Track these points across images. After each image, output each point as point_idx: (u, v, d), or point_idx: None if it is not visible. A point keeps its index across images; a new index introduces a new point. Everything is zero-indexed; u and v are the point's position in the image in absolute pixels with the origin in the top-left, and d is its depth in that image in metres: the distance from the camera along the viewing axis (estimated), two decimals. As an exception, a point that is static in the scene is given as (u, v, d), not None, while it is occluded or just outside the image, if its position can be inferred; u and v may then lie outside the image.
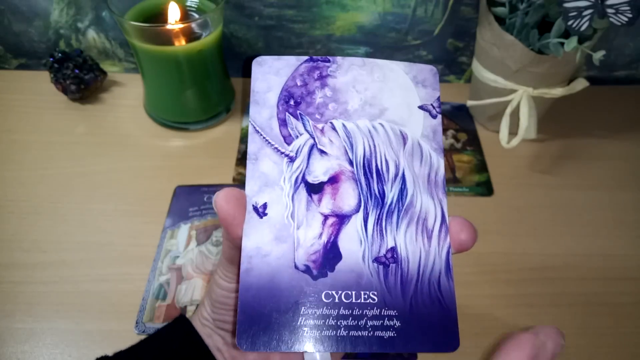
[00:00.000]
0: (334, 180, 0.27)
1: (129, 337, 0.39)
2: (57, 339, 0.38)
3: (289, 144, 0.27)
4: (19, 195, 0.48)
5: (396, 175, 0.28)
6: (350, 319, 0.25)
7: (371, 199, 0.27)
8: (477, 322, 0.40)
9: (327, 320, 0.25)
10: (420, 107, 0.29)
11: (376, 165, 0.28)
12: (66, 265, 0.43)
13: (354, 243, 0.26)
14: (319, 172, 0.27)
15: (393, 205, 0.27)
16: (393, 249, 0.26)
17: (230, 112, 0.58)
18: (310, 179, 0.27)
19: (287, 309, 0.25)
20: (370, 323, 0.25)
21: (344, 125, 0.28)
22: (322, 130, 0.28)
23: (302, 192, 0.27)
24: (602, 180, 0.52)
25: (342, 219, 0.27)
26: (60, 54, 0.56)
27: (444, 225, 0.27)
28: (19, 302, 0.40)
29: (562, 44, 0.43)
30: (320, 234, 0.26)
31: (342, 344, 0.25)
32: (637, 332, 0.40)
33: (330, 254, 0.26)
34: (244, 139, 0.55)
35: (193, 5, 0.52)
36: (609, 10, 0.40)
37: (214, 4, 0.50)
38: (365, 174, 0.28)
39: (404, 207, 0.27)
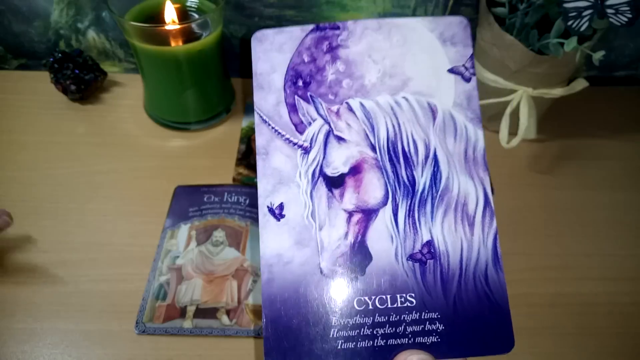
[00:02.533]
0: (355, 170, 0.24)
1: (129, 337, 0.39)
2: (57, 339, 0.38)
3: (301, 133, 0.24)
4: (19, 195, 0.48)
5: (427, 157, 0.24)
6: (388, 326, 0.23)
7: (400, 188, 0.24)
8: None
9: (362, 329, 0.23)
10: (450, 71, 0.25)
11: (402, 148, 0.24)
12: (66, 265, 0.43)
13: (385, 240, 0.23)
14: (338, 162, 0.24)
15: (426, 192, 0.24)
16: (429, 243, 0.23)
17: (230, 112, 0.58)
18: (329, 171, 0.24)
19: (317, 321, 0.22)
20: (410, 329, 0.22)
21: (361, 104, 0.25)
22: (337, 113, 0.25)
23: (322, 187, 0.24)
24: (602, 180, 0.52)
25: (368, 214, 0.24)
26: (60, 54, 0.56)
27: (487, 208, 0.24)
28: (19, 302, 0.40)
29: (562, 44, 0.43)
30: (346, 234, 0.24)
31: (380, 355, 0.22)
32: (637, 332, 0.40)
33: (359, 256, 0.23)
34: (243, 139, 0.55)
35: (193, 6, 0.52)
36: (609, 11, 0.40)
37: (214, 4, 0.50)
38: (390, 159, 0.24)
39: (439, 193, 0.24)
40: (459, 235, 0.24)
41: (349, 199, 0.24)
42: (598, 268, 0.45)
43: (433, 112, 0.25)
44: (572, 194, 0.51)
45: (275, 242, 0.23)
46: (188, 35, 0.48)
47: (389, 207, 0.24)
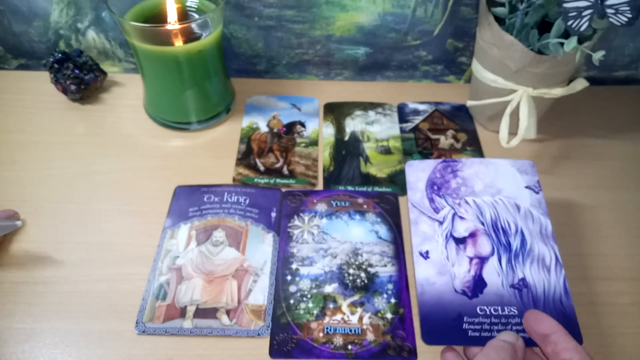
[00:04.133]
0: (472, 235, 0.39)
1: (129, 337, 0.39)
2: (57, 339, 0.38)
3: (437, 213, 0.41)
4: (19, 195, 0.48)
5: (516, 232, 0.39)
6: (499, 325, 0.35)
7: (501, 247, 0.39)
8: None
9: (483, 325, 0.35)
10: (526, 187, 0.42)
11: (501, 225, 0.40)
12: (66, 265, 0.43)
13: (494, 275, 0.37)
14: (461, 229, 0.39)
15: (517, 250, 0.38)
16: (523, 279, 0.37)
17: (230, 112, 0.58)
18: (456, 234, 0.39)
19: (453, 318, 0.36)
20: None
21: (474, 200, 0.41)
22: (459, 204, 0.41)
23: (452, 243, 0.39)
24: (602, 180, 0.52)
25: (483, 259, 0.38)
26: (60, 54, 0.56)
27: (558, 264, 0.38)
28: (19, 302, 0.40)
29: (562, 44, 0.43)
30: (469, 270, 0.38)
31: None
32: (637, 332, 0.40)
33: (479, 283, 0.37)
34: (244, 139, 0.55)
35: (193, 6, 0.52)
36: (609, 11, 0.40)
37: (214, 4, 0.50)
38: (494, 230, 0.39)
39: (526, 252, 0.38)
40: (541, 277, 0.37)
41: (470, 250, 0.39)
42: (598, 268, 0.45)
43: (518, 208, 0.41)
44: (572, 194, 0.51)
45: (424, 271, 0.38)
46: (188, 35, 0.48)
47: (495, 257, 0.38)
